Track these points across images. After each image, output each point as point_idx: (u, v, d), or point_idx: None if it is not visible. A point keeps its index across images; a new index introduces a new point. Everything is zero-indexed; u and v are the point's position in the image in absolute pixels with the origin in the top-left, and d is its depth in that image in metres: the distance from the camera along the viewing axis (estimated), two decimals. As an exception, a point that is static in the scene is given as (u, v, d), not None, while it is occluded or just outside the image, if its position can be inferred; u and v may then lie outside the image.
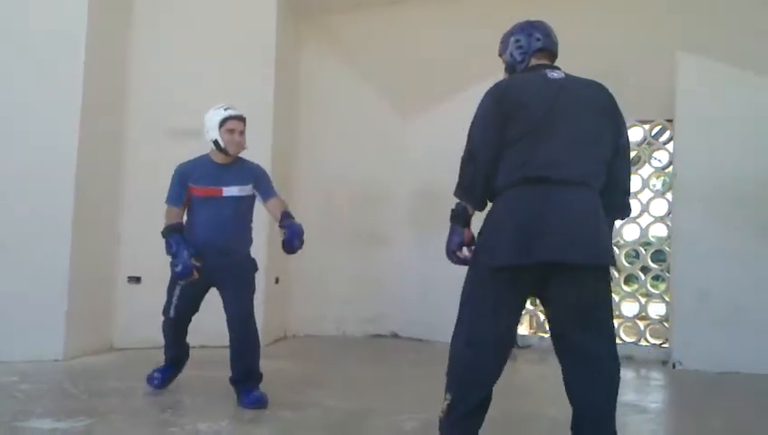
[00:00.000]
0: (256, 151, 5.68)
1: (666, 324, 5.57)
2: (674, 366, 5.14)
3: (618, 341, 5.67)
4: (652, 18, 5.40)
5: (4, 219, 4.66)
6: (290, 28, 6.30)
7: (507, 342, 2.47)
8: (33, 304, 4.60)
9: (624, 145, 2.53)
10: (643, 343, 5.67)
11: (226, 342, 3.63)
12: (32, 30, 4.83)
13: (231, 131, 3.69)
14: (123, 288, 5.40)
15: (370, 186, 6.67)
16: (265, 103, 5.78)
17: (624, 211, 2.60)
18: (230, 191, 3.74)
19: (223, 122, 3.68)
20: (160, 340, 3.87)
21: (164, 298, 3.74)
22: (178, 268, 3.54)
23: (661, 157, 5.99)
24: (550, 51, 2.66)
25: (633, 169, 6.10)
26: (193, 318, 3.87)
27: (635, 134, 6.15)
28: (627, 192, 2.57)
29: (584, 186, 2.36)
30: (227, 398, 3.69)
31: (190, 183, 3.72)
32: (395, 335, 6.51)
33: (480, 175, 2.44)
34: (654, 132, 6.01)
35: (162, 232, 3.64)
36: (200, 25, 5.68)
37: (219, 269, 3.66)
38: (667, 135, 5.92)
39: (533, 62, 2.62)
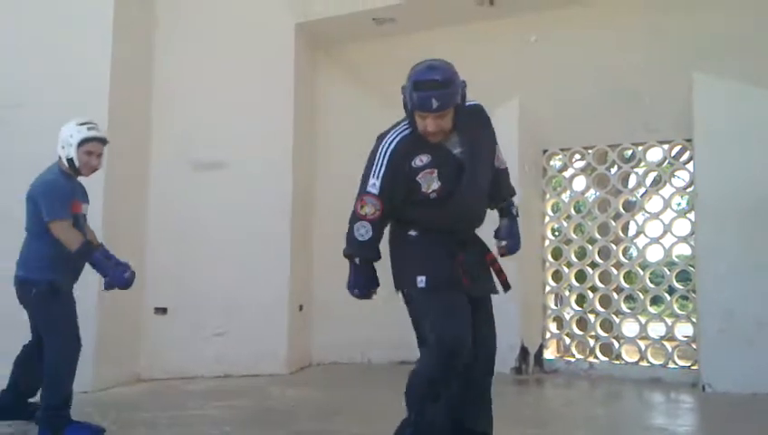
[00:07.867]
0: (278, 178, 5.82)
1: (694, 346, 5.48)
2: (703, 389, 5.03)
3: (645, 363, 5.67)
4: (668, 39, 5.42)
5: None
6: (307, 57, 6.41)
7: None
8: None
9: None
10: (671, 365, 5.56)
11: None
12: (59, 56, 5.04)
13: (89, 153, 3.43)
14: (150, 319, 5.42)
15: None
16: (285, 132, 5.87)
17: None
18: (86, 209, 3.58)
19: (82, 143, 3.40)
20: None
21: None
22: (126, 274, 3.45)
23: (683, 176, 5.96)
24: None
25: (654, 189, 6.15)
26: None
27: (654, 154, 6.13)
28: None
29: None
30: (253, 428, 3.69)
31: (76, 198, 3.45)
32: (419, 362, 6.45)
33: None
34: (674, 152, 5.98)
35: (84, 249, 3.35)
36: (221, 56, 5.80)
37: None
38: (687, 155, 5.89)
39: None
